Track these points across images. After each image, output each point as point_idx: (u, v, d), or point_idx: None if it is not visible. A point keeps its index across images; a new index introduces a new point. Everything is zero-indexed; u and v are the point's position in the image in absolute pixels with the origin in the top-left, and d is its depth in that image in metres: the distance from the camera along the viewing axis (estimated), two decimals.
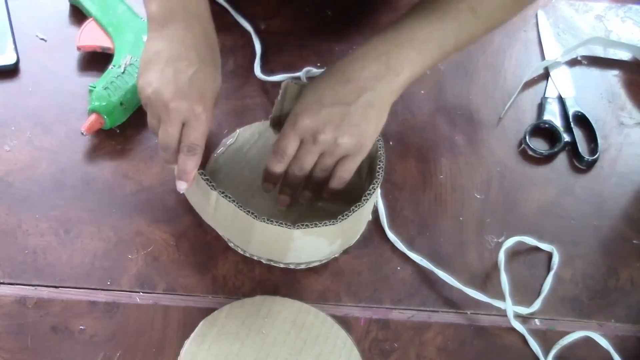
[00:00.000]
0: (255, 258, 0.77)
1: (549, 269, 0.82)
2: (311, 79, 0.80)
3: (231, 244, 0.78)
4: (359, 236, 0.79)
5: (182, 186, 0.72)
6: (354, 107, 0.70)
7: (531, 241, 0.82)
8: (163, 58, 0.69)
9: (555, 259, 0.82)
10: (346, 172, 0.74)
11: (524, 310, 0.78)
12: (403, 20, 0.74)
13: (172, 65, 0.68)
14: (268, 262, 0.77)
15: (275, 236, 0.71)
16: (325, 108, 0.70)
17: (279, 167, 0.74)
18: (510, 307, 0.77)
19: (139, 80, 0.71)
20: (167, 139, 0.70)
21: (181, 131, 0.70)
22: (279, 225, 0.70)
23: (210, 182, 0.71)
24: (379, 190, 0.80)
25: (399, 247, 0.80)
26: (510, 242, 0.82)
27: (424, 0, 0.74)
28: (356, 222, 0.75)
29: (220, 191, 0.71)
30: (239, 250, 0.77)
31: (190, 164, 0.70)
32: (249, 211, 0.70)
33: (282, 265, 0.77)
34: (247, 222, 0.71)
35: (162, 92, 0.68)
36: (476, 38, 0.77)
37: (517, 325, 0.77)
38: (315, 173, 0.75)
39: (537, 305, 0.79)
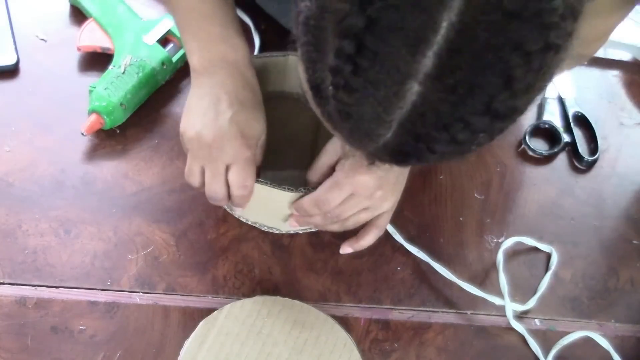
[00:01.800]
0: (292, 232, 0.79)
1: (548, 269, 0.82)
2: None
3: (265, 228, 0.78)
4: None
5: (238, 211, 0.76)
6: (397, 169, 0.71)
7: (530, 242, 0.82)
8: (204, 103, 0.70)
9: (554, 259, 0.82)
10: (382, 228, 0.76)
11: (519, 307, 0.78)
12: None
13: (212, 108, 0.69)
14: (305, 232, 0.79)
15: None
16: (380, 169, 0.70)
17: (314, 214, 0.72)
18: (508, 303, 0.77)
19: (181, 125, 0.71)
20: (211, 181, 0.70)
21: (227, 175, 0.70)
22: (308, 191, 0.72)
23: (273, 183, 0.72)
24: None
25: (396, 239, 0.80)
26: (509, 242, 0.82)
27: None
28: None
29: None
30: (274, 231, 0.78)
31: (244, 202, 0.72)
32: (285, 187, 0.72)
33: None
34: (284, 197, 0.72)
35: (204, 134, 0.68)
36: None
37: (517, 325, 0.77)
38: (349, 223, 0.74)
39: (532, 302, 0.79)
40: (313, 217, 0.73)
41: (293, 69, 0.83)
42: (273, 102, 0.84)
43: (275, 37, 0.93)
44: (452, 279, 0.78)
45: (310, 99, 0.51)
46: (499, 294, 0.78)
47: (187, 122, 0.70)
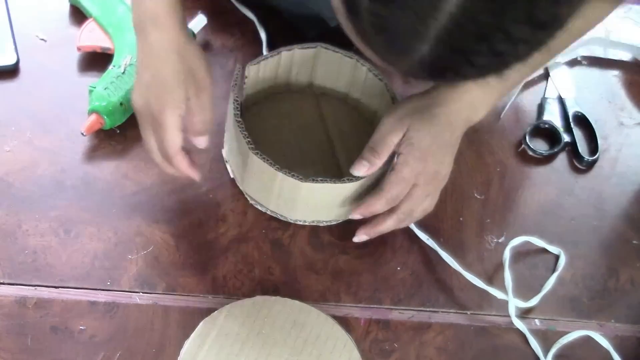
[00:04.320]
0: (269, 213, 0.80)
1: (550, 270, 0.82)
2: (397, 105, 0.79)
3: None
4: None
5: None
6: (451, 149, 0.75)
7: (539, 242, 0.82)
8: (138, 67, 0.72)
9: (562, 261, 0.81)
10: (425, 211, 0.78)
11: (521, 304, 0.78)
12: None
13: (140, 75, 0.72)
14: (273, 214, 0.80)
15: (287, 186, 0.74)
16: (439, 154, 0.74)
17: (382, 208, 0.75)
18: (512, 300, 0.77)
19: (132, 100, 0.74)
20: (147, 147, 0.74)
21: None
22: (290, 177, 0.72)
23: (244, 132, 0.74)
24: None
25: (409, 226, 0.81)
26: (516, 241, 0.82)
27: None
28: (369, 188, 0.77)
29: (249, 144, 0.73)
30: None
31: (176, 171, 0.74)
32: (265, 158, 0.73)
33: (290, 221, 0.79)
34: (270, 173, 0.74)
35: (134, 102, 0.72)
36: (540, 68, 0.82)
37: (518, 323, 0.77)
38: (415, 215, 0.77)
39: (536, 300, 0.79)
40: (385, 219, 0.76)
41: (299, 63, 0.83)
42: (279, 96, 0.84)
43: (282, 32, 0.93)
44: (459, 270, 0.78)
45: (342, 18, 0.50)
46: (500, 293, 0.78)
47: (133, 96, 0.73)
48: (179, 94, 0.70)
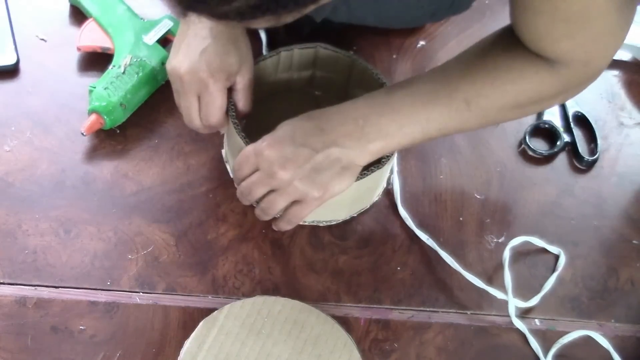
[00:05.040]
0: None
1: (549, 270, 0.82)
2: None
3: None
4: (369, 204, 0.82)
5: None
6: (320, 156, 0.69)
7: (539, 242, 0.82)
8: (183, 39, 0.74)
9: (562, 261, 0.81)
10: (295, 218, 0.73)
11: (522, 304, 0.78)
12: (395, 89, 0.72)
13: (188, 44, 0.74)
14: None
15: None
16: (292, 146, 0.69)
17: (235, 180, 0.75)
18: (511, 299, 0.77)
19: (166, 63, 0.76)
20: (187, 112, 0.76)
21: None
22: None
23: (241, 133, 0.74)
24: (395, 160, 0.83)
25: (408, 224, 0.81)
26: (516, 241, 0.82)
27: (426, 74, 0.73)
28: (369, 188, 0.78)
29: (247, 144, 0.73)
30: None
31: (212, 131, 0.78)
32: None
33: None
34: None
35: (177, 68, 0.74)
36: (467, 129, 0.75)
37: (518, 323, 0.77)
38: (262, 204, 0.73)
39: (536, 300, 0.79)
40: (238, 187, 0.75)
41: (298, 63, 0.84)
42: (279, 96, 0.84)
43: (282, 33, 0.93)
44: (458, 269, 0.78)
45: None
46: (500, 293, 0.78)
47: (169, 58, 0.75)
48: (234, 67, 0.74)
